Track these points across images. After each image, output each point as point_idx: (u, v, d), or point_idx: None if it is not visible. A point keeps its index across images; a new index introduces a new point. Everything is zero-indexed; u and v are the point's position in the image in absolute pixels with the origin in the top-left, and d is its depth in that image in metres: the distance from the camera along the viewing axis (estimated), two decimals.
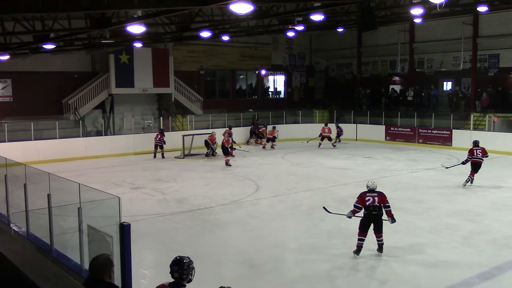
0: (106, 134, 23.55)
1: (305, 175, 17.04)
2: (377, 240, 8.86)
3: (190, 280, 4.35)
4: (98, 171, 18.08)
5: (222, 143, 19.39)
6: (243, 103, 30.09)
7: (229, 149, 19.34)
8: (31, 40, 17.82)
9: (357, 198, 8.88)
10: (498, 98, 24.20)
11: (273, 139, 24.35)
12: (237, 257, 9.12)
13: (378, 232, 8.78)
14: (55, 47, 19.18)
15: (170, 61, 25.71)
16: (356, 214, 8.91)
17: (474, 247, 9.31)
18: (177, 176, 17.12)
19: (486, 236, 9.92)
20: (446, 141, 23.68)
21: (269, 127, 25.19)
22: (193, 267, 4.36)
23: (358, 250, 8.79)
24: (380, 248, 8.87)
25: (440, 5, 13.32)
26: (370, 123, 26.91)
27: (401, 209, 12.06)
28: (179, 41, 24.68)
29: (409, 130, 25.29)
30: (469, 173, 14.47)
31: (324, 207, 10.35)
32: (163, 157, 21.33)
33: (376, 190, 8.73)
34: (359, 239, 8.76)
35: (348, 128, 27.15)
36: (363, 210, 8.77)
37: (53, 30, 15.96)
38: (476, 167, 14.37)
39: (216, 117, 26.69)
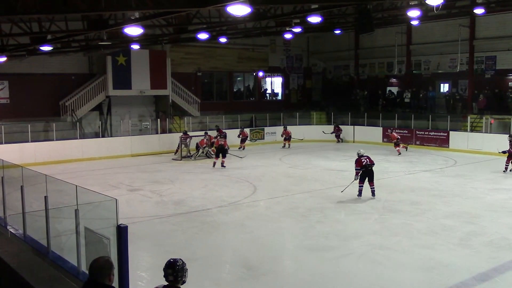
0: (103, 136, 23.51)
1: (302, 177, 17.04)
2: (371, 188, 13.34)
3: (184, 282, 4.35)
4: (95, 173, 18.05)
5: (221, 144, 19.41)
6: (241, 105, 30.10)
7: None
8: (28, 42, 17.80)
9: (356, 163, 13.36)
10: (495, 100, 24.29)
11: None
12: (234, 259, 9.11)
13: (371, 181, 13.31)
14: (52, 49, 19.12)
15: (167, 63, 25.70)
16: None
17: (471, 248, 9.33)
18: (174, 178, 17.11)
19: (483, 238, 9.93)
20: (443, 142, 23.73)
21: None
22: (187, 269, 4.36)
23: (359, 193, 13.37)
24: (373, 194, 13.32)
25: (437, 7, 13.34)
26: (367, 125, 26.97)
27: (399, 211, 12.11)
28: (176, 43, 24.65)
29: (406, 131, 25.32)
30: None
31: (341, 191, 13.75)
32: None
33: (364, 154, 13.41)
34: (359, 186, 13.36)
35: (345, 130, 27.30)
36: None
37: (50, 32, 15.93)
38: None
39: (214, 119, 26.68)
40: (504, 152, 17.39)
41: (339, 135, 27.27)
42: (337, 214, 11.93)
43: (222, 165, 18.84)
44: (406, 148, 23.26)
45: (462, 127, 24.12)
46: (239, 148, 24.39)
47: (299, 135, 26.98)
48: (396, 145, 22.74)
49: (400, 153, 22.30)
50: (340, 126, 27.50)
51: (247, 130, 25.68)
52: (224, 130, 24.03)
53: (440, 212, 11.96)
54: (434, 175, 17.11)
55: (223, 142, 19.52)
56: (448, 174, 17.37)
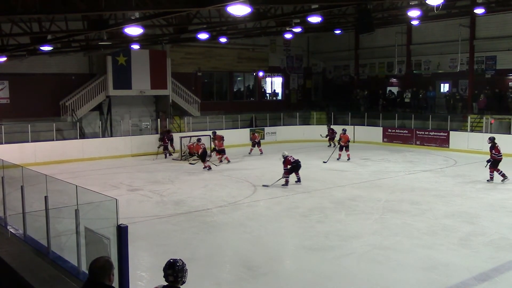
0: (103, 136, 23.52)
1: (302, 177, 16.96)
2: (297, 176, 15.35)
3: (184, 282, 4.36)
4: (95, 173, 18.05)
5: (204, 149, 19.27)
6: (241, 105, 30.10)
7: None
8: (28, 42, 17.81)
9: (284, 164, 15.17)
10: (495, 100, 24.28)
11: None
12: (235, 259, 9.12)
13: (297, 172, 15.34)
14: (52, 49, 19.15)
15: (167, 62, 25.70)
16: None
17: (471, 248, 9.33)
18: (174, 178, 17.11)
19: (483, 238, 9.94)
20: (444, 142, 23.72)
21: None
22: (187, 269, 4.37)
23: (286, 183, 15.13)
24: (298, 180, 15.38)
25: (437, 7, 13.37)
26: (367, 125, 26.95)
27: (399, 210, 12.11)
28: (176, 43, 24.67)
29: (407, 131, 25.33)
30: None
31: (263, 185, 15.21)
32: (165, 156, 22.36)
33: (289, 155, 15.30)
34: (286, 178, 15.15)
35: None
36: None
37: (50, 32, 15.94)
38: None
39: (214, 119, 26.68)
40: (489, 161, 15.43)
41: (333, 138, 24.12)
42: (337, 214, 11.93)
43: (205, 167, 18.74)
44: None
45: (462, 127, 24.11)
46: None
47: (299, 135, 27.02)
48: (346, 148, 20.30)
49: (339, 157, 20.45)
50: (333, 128, 24.89)
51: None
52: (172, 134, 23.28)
53: (440, 212, 11.96)
54: (434, 175, 17.10)
55: (204, 146, 19.36)
56: (448, 174, 17.36)
